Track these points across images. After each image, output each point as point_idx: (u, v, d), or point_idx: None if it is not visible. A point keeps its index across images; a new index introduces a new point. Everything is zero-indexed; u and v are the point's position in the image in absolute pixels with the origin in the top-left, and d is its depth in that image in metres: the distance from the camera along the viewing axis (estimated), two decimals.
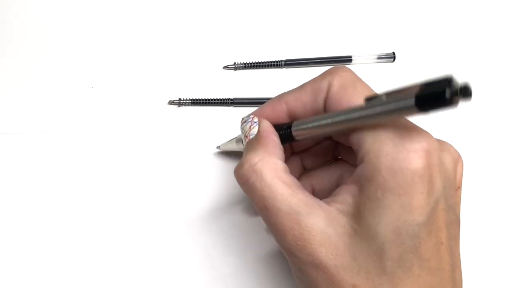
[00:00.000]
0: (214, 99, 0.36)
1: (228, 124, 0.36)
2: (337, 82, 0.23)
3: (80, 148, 0.35)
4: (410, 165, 0.20)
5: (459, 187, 0.23)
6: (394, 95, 0.20)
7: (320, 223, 0.22)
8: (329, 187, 0.28)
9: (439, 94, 0.17)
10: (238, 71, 0.38)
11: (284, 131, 0.26)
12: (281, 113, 0.26)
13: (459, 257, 0.23)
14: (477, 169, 0.35)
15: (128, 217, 0.33)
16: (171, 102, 0.36)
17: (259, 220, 0.32)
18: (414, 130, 0.20)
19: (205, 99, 0.36)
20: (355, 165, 0.22)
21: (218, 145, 0.34)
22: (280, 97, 0.26)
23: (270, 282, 0.31)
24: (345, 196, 0.22)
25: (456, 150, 0.23)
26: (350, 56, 0.37)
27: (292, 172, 0.26)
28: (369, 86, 0.23)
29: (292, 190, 0.23)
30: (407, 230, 0.20)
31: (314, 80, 0.25)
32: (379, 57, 0.37)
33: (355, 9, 0.40)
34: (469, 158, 0.35)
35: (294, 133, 0.25)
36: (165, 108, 0.36)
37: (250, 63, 0.37)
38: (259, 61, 0.37)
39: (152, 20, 0.39)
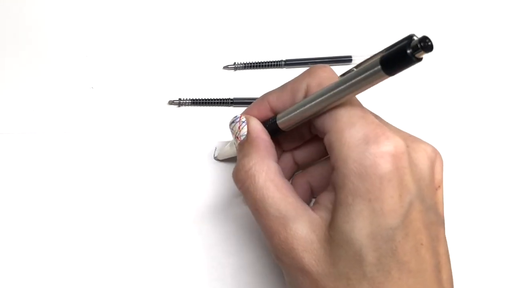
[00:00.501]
0: (214, 99, 0.36)
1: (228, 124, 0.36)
2: (314, 83, 0.24)
3: (80, 148, 0.35)
4: (376, 170, 0.20)
5: (440, 187, 0.23)
6: (363, 64, 0.20)
7: (304, 228, 0.22)
8: (326, 183, 0.28)
9: (400, 52, 0.18)
10: (238, 71, 0.38)
11: (270, 124, 0.26)
12: (265, 112, 0.27)
13: (446, 257, 0.23)
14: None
15: (128, 217, 0.33)
16: (171, 102, 0.36)
17: None
18: (382, 134, 0.21)
19: (205, 99, 0.36)
20: None
21: (215, 156, 0.34)
22: (264, 96, 0.27)
23: (271, 282, 0.31)
24: (326, 203, 0.23)
25: (433, 149, 0.23)
26: (350, 56, 0.37)
27: (284, 169, 0.26)
28: None
29: (282, 193, 0.23)
30: (382, 234, 0.20)
31: (294, 80, 0.25)
32: None
33: (355, 9, 0.40)
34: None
35: (279, 124, 0.26)
36: (165, 108, 0.36)
37: (250, 63, 0.37)
38: (259, 61, 0.37)
39: (152, 20, 0.39)
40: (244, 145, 0.26)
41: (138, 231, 0.33)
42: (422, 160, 0.22)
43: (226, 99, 0.36)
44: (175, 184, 0.34)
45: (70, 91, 0.37)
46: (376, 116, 0.24)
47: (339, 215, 0.21)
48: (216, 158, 0.34)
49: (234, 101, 0.36)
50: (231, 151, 0.32)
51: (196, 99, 0.36)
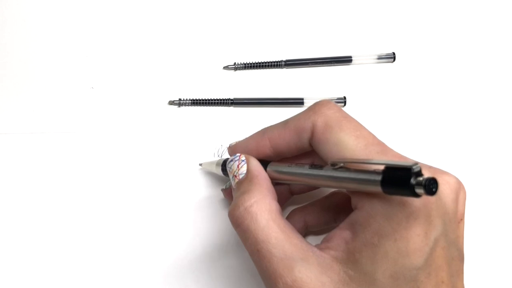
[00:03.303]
0: (214, 99, 0.36)
1: (228, 124, 0.36)
2: (321, 122, 0.23)
3: (80, 148, 0.35)
4: (403, 208, 0.20)
5: (462, 220, 0.23)
6: (364, 166, 0.20)
7: (314, 270, 0.21)
8: (320, 220, 0.28)
9: (403, 181, 0.18)
10: (238, 71, 0.38)
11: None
12: (265, 149, 0.26)
13: None
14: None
15: (127, 217, 0.33)
16: (171, 102, 0.36)
17: None
18: None
19: (205, 99, 0.36)
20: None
21: (200, 163, 0.34)
22: (264, 132, 0.26)
23: None
24: (339, 242, 0.22)
25: (456, 180, 0.22)
26: (350, 56, 0.37)
27: (279, 199, 0.25)
28: (357, 122, 0.23)
29: (286, 234, 0.22)
30: (405, 275, 0.20)
31: (298, 118, 0.24)
32: (379, 57, 0.37)
33: (355, 9, 0.40)
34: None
35: (269, 173, 0.25)
36: (165, 108, 0.36)
37: (250, 63, 0.37)
38: (259, 61, 0.37)
39: (152, 20, 0.39)
40: (243, 182, 0.24)
41: (137, 230, 0.33)
42: (446, 193, 0.21)
43: (226, 99, 0.36)
44: (175, 184, 0.34)
45: (70, 91, 0.37)
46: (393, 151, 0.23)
47: (364, 256, 0.20)
48: (200, 165, 0.34)
49: (234, 101, 0.36)
50: (215, 169, 0.31)
51: (196, 99, 0.36)
